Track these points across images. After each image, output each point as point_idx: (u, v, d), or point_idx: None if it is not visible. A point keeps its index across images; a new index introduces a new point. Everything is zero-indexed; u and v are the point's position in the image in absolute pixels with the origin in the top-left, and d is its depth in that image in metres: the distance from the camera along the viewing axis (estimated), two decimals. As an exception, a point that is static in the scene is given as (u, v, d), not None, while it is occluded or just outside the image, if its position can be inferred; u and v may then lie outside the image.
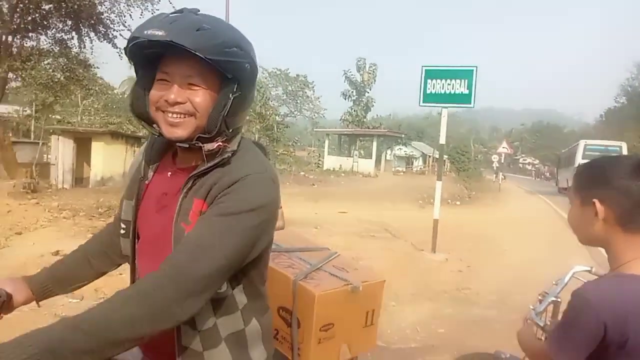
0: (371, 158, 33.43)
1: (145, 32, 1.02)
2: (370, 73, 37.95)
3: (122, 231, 1.29)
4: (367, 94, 38.58)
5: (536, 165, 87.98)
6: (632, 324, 1.10)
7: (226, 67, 1.07)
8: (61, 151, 14.81)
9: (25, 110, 24.93)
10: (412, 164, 44.86)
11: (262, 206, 1.08)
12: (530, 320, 2.02)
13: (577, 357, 1.17)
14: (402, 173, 35.43)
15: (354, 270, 1.86)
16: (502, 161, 31.82)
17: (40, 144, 16.27)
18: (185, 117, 1.10)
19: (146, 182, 1.26)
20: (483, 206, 17.92)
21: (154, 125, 1.17)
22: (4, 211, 7.67)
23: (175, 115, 1.09)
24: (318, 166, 30.32)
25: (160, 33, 1.01)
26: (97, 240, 1.46)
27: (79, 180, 14.99)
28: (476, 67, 7.35)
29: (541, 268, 7.24)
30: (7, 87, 14.80)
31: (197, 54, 1.01)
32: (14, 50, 12.58)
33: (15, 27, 12.18)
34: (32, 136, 23.56)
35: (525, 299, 5.51)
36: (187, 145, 1.12)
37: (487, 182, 31.90)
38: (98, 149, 14.93)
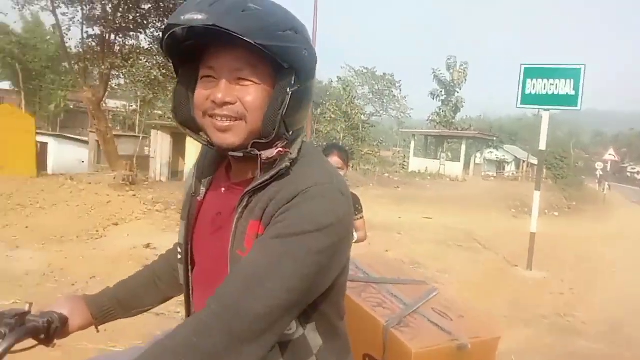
0: (459, 161, 32.03)
1: (182, 17, 0.85)
2: (460, 72, 36.39)
3: (179, 256, 1.13)
4: (456, 94, 37.07)
5: (646, 175, 79.69)
6: None
7: (281, 55, 0.88)
8: (160, 145, 15.75)
9: (131, 106, 27.05)
10: (504, 168, 42.45)
11: (330, 225, 0.87)
12: None
13: None
14: (492, 178, 33.60)
15: (460, 317, 1.51)
16: (608, 169, 29.08)
17: (141, 137, 17.41)
18: (235, 121, 0.92)
19: (199, 199, 1.09)
20: (585, 219, 16.38)
21: (201, 133, 1.01)
22: (104, 202, 8.19)
23: (224, 119, 0.92)
24: (403, 168, 29.62)
25: (199, 17, 0.84)
26: (166, 260, 1.31)
27: (175, 173, 15.84)
28: (584, 65, 6.59)
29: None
30: (114, 83, 15.95)
31: (245, 39, 0.83)
32: (116, 48, 13.50)
33: (117, 26, 13.05)
34: (137, 130, 25.40)
35: (643, 334, 4.86)
36: (241, 154, 0.94)
37: (589, 191, 29.26)
38: (192, 143, 15.60)
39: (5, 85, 31.56)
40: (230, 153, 0.95)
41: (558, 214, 16.78)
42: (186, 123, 1.01)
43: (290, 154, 0.94)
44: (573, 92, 6.66)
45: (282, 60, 0.89)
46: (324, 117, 28.49)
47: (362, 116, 30.15)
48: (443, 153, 33.31)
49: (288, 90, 0.90)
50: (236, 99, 0.90)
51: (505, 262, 7.59)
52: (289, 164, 0.92)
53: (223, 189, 1.04)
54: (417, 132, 37.50)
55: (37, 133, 15.90)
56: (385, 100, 44.83)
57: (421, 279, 1.78)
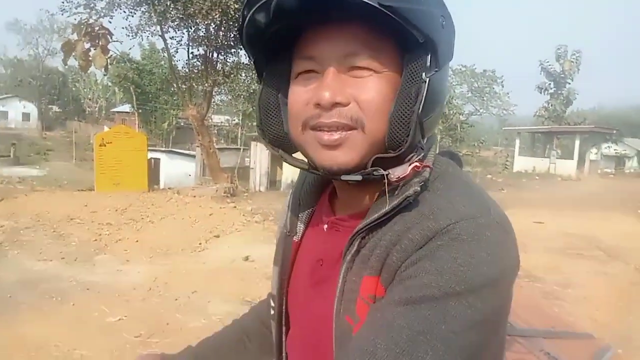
0: (572, 158, 29.27)
1: None
2: (572, 61, 33.37)
3: (272, 311, 0.88)
4: (568, 86, 34.04)
5: None
6: None
7: (414, 21, 0.60)
8: (259, 156, 16.32)
9: (234, 120, 28.63)
10: (624, 164, 38.11)
11: (489, 282, 0.58)
12: None
13: None
14: (611, 175, 30.23)
15: None
16: None
17: (241, 149, 18.19)
18: (349, 131, 0.64)
19: (295, 239, 0.83)
20: None
21: (295, 155, 0.75)
22: (207, 214, 8.52)
23: (332, 130, 0.65)
24: (506, 167, 27.74)
25: None
26: (257, 314, 1.05)
27: (273, 183, 16.29)
28: None
29: None
30: (217, 100, 16.81)
31: (367, 1, 0.57)
32: (219, 66, 14.18)
33: (219, 44, 13.69)
34: (239, 143, 26.74)
35: None
36: (360, 178, 0.66)
37: None
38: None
39: (126, 107, 35.19)
40: (344, 177, 0.66)
41: (699, 214, 14.48)
42: (277, 141, 0.74)
43: (430, 169, 0.66)
44: None
45: (417, 30, 0.60)
46: (421, 120, 27.72)
47: (460, 116, 28.85)
48: (553, 150, 30.68)
49: (424, 76, 0.63)
50: (349, 99, 0.64)
51: (638, 273, 6.59)
52: (418, 189, 0.63)
53: (325, 227, 0.77)
54: (522, 129, 34.96)
55: (151, 150, 17.27)
56: (485, 98, 42.61)
57: (586, 332, 1.33)
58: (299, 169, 0.77)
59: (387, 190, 0.64)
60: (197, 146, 16.68)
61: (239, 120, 27.01)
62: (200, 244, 6.92)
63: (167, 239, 7.08)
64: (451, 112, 27.12)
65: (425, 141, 0.67)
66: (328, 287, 0.70)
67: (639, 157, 39.03)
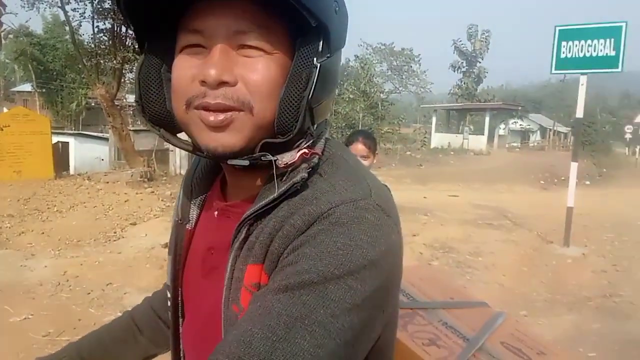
0: (483, 134, 31.20)
1: None
2: (482, 41, 35.25)
3: (168, 302, 0.84)
4: (478, 64, 35.99)
5: (680, 135, 76.88)
6: None
7: (308, 5, 0.57)
8: (179, 136, 15.67)
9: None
10: (529, 138, 41.31)
11: (370, 263, 0.56)
12: None
13: None
14: (517, 149, 32.69)
15: (539, 354, 1.15)
16: (639, 132, 27.94)
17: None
18: (235, 112, 0.61)
19: (188, 227, 0.79)
20: (619, 186, 15.68)
21: (180, 136, 0.69)
22: (122, 200, 8.06)
23: (218, 111, 0.60)
24: (424, 144, 28.95)
25: None
26: (149, 305, 1.01)
27: (194, 164, 15.73)
28: (626, 22, 6.06)
29: None
30: (129, 78, 15.86)
31: None
32: (128, 41, 13.30)
33: (128, 17, 12.82)
34: (157, 124, 25.51)
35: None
36: (247, 162, 0.63)
37: (619, 156, 28.17)
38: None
39: (27, 87, 32.08)
40: (230, 161, 0.64)
41: (589, 182, 16.12)
42: (159, 120, 0.68)
43: (318, 155, 0.64)
44: (614, 53, 6.19)
45: (310, 14, 0.58)
46: (342, 98, 28.01)
47: (381, 94, 29.55)
48: (466, 127, 32.48)
49: (315, 61, 0.61)
50: (237, 79, 0.60)
51: (539, 240, 7.21)
52: (306, 175, 0.62)
53: (216, 213, 0.74)
54: (438, 106, 36.62)
55: (59, 133, 15.94)
56: (404, 76, 43.93)
57: (481, 300, 1.41)
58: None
59: (275, 176, 0.63)
60: (109, 128, 15.67)
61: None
62: (115, 232, 6.54)
63: (77, 229, 6.60)
64: (372, 90, 27.72)
65: (315, 127, 0.65)
66: (218, 276, 0.67)
67: (542, 131, 42.38)
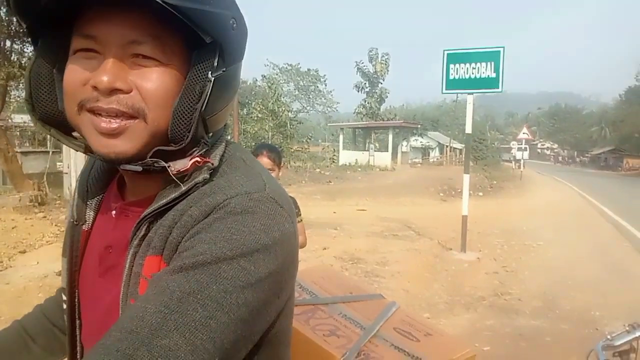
0: (387, 151, 32.76)
1: None
2: (383, 63, 37.19)
3: (64, 305, 0.82)
4: (380, 85, 37.87)
5: (555, 150, 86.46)
6: None
7: (201, 22, 0.59)
8: (73, 159, 14.54)
9: (39, 119, 24.93)
10: (429, 154, 44.01)
11: (263, 247, 0.60)
12: (595, 353, 1.50)
13: None
14: (419, 165, 34.68)
15: (427, 336, 1.28)
16: (523, 147, 30.97)
17: (51, 152, 16.08)
18: (129, 119, 0.62)
19: (84, 228, 0.78)
20: (507, 196, 17.27)
21: (75, 134, 0.68)
22: (9, 227, 7.31)
23: (112, 117, 0.61)
24: (333, 162, 29.71)
25: None
26: (41, 313, 0.96)
27: (92, 187, 14.70)
28: (503, 47, 6.77)
29: (584, 265, 6.69)
30: (15, 96, 14.54)
31: None
32: (14, 57, 12.24)
33: (13, 31, 11.78)
34: (48, 145, 23.56)
35: (574, 305, 5.03)
36: (139, 168, 0.65)
37: (507, 170, 31.03)
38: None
39: None
40: (123, 166, 0.66)
41: (482, 194, 17.52)
42: (50, 119, 0.68)
43: (211, 164, 0.67)
44: (494, 75, 6.82)
45: (203, 30, 0.60)
46: (251, 117, 27.98)
47: (289, 113, 29.96)
48: (371, 144, 33.90)
49: (209, 75, 0.63)
50: (131, 86, 0.61)
51: (440, 247, 7.67)
52: (207, 176, 0.66)
53: (114, 213, 0.74)
54: (345, 125, 37.90)
55: None
56: (311, 96, 44.99)
57: (376, 293, 1.53)
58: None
59: (175, 178, 0.65)
60: (-8, 150, 14.18)
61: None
62: (1, 262, 5.91)
63: (-46, 261, 5.88)
64: (280, 109, 27.98)
65: (211, 135, 0.68)
66: (116, 273, 0.68)
67: (440, 147, 45.32)
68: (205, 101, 0.63)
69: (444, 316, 4.67)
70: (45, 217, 8.39)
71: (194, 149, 0.66)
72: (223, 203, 0.62)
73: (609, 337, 1.38)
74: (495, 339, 4.15)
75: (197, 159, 0.66)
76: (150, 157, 0.64)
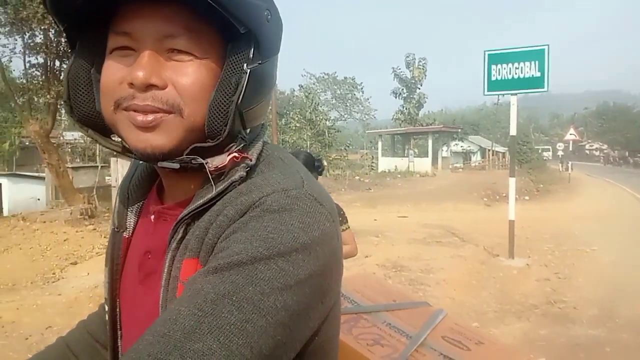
0: (427, 156, 32.26)
1: None
2: (420, 68, 36.82)
3: (106, 315, 0.80)
4: (418, 90, 37.47)
5: (605, 151, 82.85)
6: None
7: (236, 13, 0.58)
8: (120, 172, 15.09)
9: (90, 136, 26.03)
10: (470, 159, 43.07)
11: (302, 247, 0.57)
12: None
13: None
14: (460, 170, 33.96)
15: (478, 345, 1.20)
16: (570, 149, 29.83)
17: (99, 167, 16.74)
18: (164, 114, 0.61)
19: (125, 235, 0.77)
20: (555, 200, 16.59)
21: (113, 137, 0.69)
22: (61, 240, 7.63)
23: (147, 112, 0.60)
24: (372, 169, 29.55)
25: None
26: (84, 329, 0.94)
27: (138, 200, 15.17)
28: (548, 45, 6.53)
29: (644, 271, 6.30)
30: (63, 114, 15.27)
31: None
32: (61, 75, 12.87)
33: (61, 51, 12.36)
34: (98, 160, 24.56)
35: (634, 313, 4.73)
36: (177, 165, 0.63)
37: (553, 172, 29.92)
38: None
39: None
40: (160, 164, 0.64)
41: (529, 197, 16.92)
42: (88, 121, 0.67)
43: (250, 160, 0.65)
44: (539, 74, 6.59)
45: (237, 21, 0.59)
46: (289, 127, 28.30)
47: (327, 122, 30.10)
48: (411, 150, 33.50)
49: (245, 67, 0.61)
50: (166, 82, 0.60)
51: (486, 254, 7.44)
52: (244, 174, 0.64)
53: (152, 217, 0.73)
54: (383, 132, 37.65)
55: (-12, 174, 14.98)
56: (348, 104, 45.09)
57: (422, 301, 1.46)
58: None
59: (210, 177, 0.63)
60: (45, 167, 14.92)
61: (95, 135, 24.78)
62: (54, 273, 6.15)
63: (12, 272, 6.15)
64: (318, 118, 28.17)
65: (249, 131, 0.67)
66: (155, 279, 0.66)
67: (482, 151, 44.35)
68: (242, 94, 0.61)
69: (494, 325, 4.49)
70: (94, 229, 8.71)
71: (232, 145, 0.65)
72: (259, 201, 0.60)
73: None
74: (551, 350, 3.95)
75: (235, 154, 0.64)
76: (187, 154, 0.63)
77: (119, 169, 15.19)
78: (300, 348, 0.59)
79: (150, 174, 0.79)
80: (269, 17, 0.64)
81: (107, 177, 17.73)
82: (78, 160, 26.33)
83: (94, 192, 12.95)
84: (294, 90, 37.86)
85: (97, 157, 24.99)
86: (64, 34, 0.67)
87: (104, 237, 8.09)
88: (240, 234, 0.57)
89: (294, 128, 27.71)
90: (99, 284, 5.55)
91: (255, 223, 0.58)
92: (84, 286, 5.46)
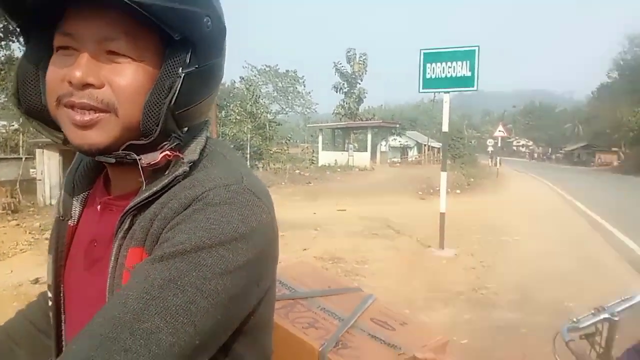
0: (366, 151, 32.97)
1: None
2: (360, 63, 37.44)
3: (50, 302, 0.83)
4: (358, 85, 38.10)
5: (530, 147, 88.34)
6: None
7: (169, 19, 0.62)
8: (47, 165, 14.23)
9: (12, 125, 24.24)
10: (407, 154, 44.46)
11: (240, 236, 0.63)
12: (560, 336, 1.57)
13: None
14: (398, 164, 35.02)
15: (402, 325, 1.33)
16: (499, 145, 31.51)
17: (23, 159, 15.72)
18: (101, 113, 0.65)
19: (70, 223, 0.80)
20: (484, 193, 17.55)
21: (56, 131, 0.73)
22: (-20, 236, 7.17)
23: (85, 111, 0.65)
24: (312, 163, 29.80)
25: None
26: (25, 317, 0.96)
27: (67, 193, 14.38)
28: (478, 46, 6.88)
29: (558, 258, 6.84)
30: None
31: None
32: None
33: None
34: (21, 151, 22.98)
35: (548, 297, 5.15)
36: (113, 160, 0.68)
37: (484, 167, 31.55)
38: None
39: None
40: (98, 158, 0.69)
41: (460, 191, 17.76)
42: (35, 113, 0.71)
43: (182, 158, 0.70)
44: (469, 73, 6.91)
45: (172, 29, 0.63)
46: (229, 119, 27.86)
47: (268, 115, 29.94)
48: (350, 144, 34.06)
49: (180, 71, 0.65)
50: (103, 82, 0.64)
51: (419, 245, 7.76)
52: (187, 169, 0.69)
53: (99, 207, 0.76)
54: (324, 125, 38.01)
55: None
56: (290, 97, 45.00)
57: (354, 286, 1.57)
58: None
59: (142, 173, 0.68)
60: (-37, 157, 13.82)
61: (18, 125, 23.04)
62: (-28, 272, 5.78)
63: None
64: (259, 111, 27.94)
65: (186, 130, 0.72)
66: (101, 266, 0.70)
67: (418, 147, 45.83)
68: (174, 96, 0.65)
69: (423, 312, 4.73)
70: (18, 224, 8.23)
71: (165, 143, 0.69)
72: (202, 195, 0.65)
73: (574, 320, 1.44)
74: (473, 332, 4.22)
75: (168, 152, 0.68)
76: (122, 150, 0.67)
77: (45, 161, 14.33)
78: (239, 326, 0.67)
79: (96, 165, 0.83)
80: (209, 23, 0.67)
81: (31, 170, 16.66)
82: (-1, 152, 24.49)
83: (17, 186, 12.15)
84: (234, 82, 37.25)
85: (21, 148, 23.38)
86: (20, 32, 0.70)
87: (29, 232, 7.67)
88: (184, 225, 0.63)
89: (234, 121, 27.33)
90: (23, 281, 5.28)
91: (199, 215, 0.63)
92: (7, 284, 5.16)
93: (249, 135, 26.60)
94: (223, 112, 28.18)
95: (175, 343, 0.55)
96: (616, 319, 1.42)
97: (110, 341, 0.53)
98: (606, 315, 1.45)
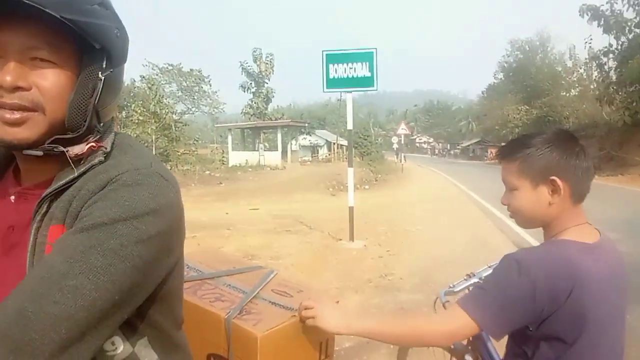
0: (277, 150, 33.14)
1: None
2: (267, 63, 37.45)
3: None
4: (266, 85, 38.08)
5: (431, 143, 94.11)
6: (564, 284, 1.09)
7: (91, 32, 0.75)
8: None
9: None
10: (318, 152, 45.33)
11: (151, 211, 0.74)
12: (439, 299, 1.88)
13: (497, 315, 1.12)
14: (308, 162, 35.59)
15: (299, 292, 1.49)
16: (402, 142, 33.26)
17: None
18: (29, 112, 0.75)
19: None
20: (390, 188, 18.51)
21: None
22: None
23: (14, 110, 0.74)
24: (223, 163, 29.28)
25: None
26: None
27: None
28: (376, 49, 7.30)
29: (454, 244, 7.50)
30: None
31: (47, 10, 0.68)
32: None
33: None
34: None
35: (446, 278, 5.65)
36: (41, 153, 0.77)
37: (390, 164, 33.17)
38: None
39: None
40: (26, 151, 0.77)
41: (368, 187, 18.60)
42: None
43: (105, 148, 0.82)
44: (369, 74, 7.29)
45: (92, 39, 0.76)
46: (131, 120, 26.47)
47: (173, 115, 28.89)
48: (260, 144, 34.02)
49: (100, 75, 0.79)
50: (31, 84, 0.74)
51: (330, 239, 8.07)
52: (102, 159, 0.81)
53: (13, 197, 0.84)
54: (233, 125, 37.54)
55: None
56: (196, 97, 43.79)
57: (257, 265, 1.73)
58: None
59: (71, 161, 0.79)
60: None
61: None
62: None
63: None
64: (163, 111, 26.84)
65: (102, 125, 0.84)
66: (20, 249, 0.78)
67: (328, 145, 46.84)
68: (98, 96, 0.78)
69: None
70: None
71: (89, 136, 0.81)
72: (116, 177, 0.76)
73: (450, 285, 1.71)
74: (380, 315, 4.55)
75: (93, 144, 0.81)
76: (49, 144, 0.77)
77: None
78: (153, 293, 0.78)
79: (4, 159, 0.90)
80: (118, 34, 0.81)
81: None
82: None
83: None
84: (134, 80, 35.41)
85: None
86: None
87: None
88: (101, 202, 0.73)
89: (136, 121, 25.98)
90: None
91: (114, 194, 0.74)
92: None
93: (154, 137, 25.47)
94: (124, 112, 26.75)
95: (98, 298, 0.65)
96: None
97: (41, 295, 0.63)
98: (475, 280, 1.74)
